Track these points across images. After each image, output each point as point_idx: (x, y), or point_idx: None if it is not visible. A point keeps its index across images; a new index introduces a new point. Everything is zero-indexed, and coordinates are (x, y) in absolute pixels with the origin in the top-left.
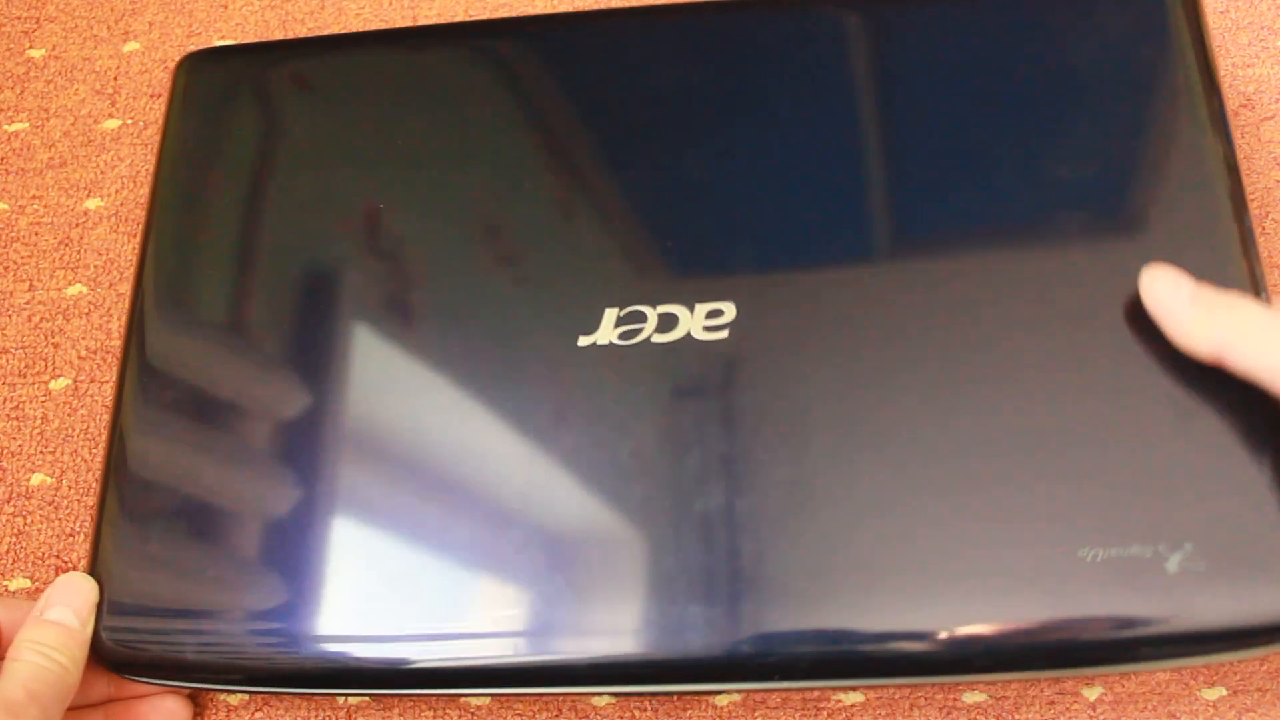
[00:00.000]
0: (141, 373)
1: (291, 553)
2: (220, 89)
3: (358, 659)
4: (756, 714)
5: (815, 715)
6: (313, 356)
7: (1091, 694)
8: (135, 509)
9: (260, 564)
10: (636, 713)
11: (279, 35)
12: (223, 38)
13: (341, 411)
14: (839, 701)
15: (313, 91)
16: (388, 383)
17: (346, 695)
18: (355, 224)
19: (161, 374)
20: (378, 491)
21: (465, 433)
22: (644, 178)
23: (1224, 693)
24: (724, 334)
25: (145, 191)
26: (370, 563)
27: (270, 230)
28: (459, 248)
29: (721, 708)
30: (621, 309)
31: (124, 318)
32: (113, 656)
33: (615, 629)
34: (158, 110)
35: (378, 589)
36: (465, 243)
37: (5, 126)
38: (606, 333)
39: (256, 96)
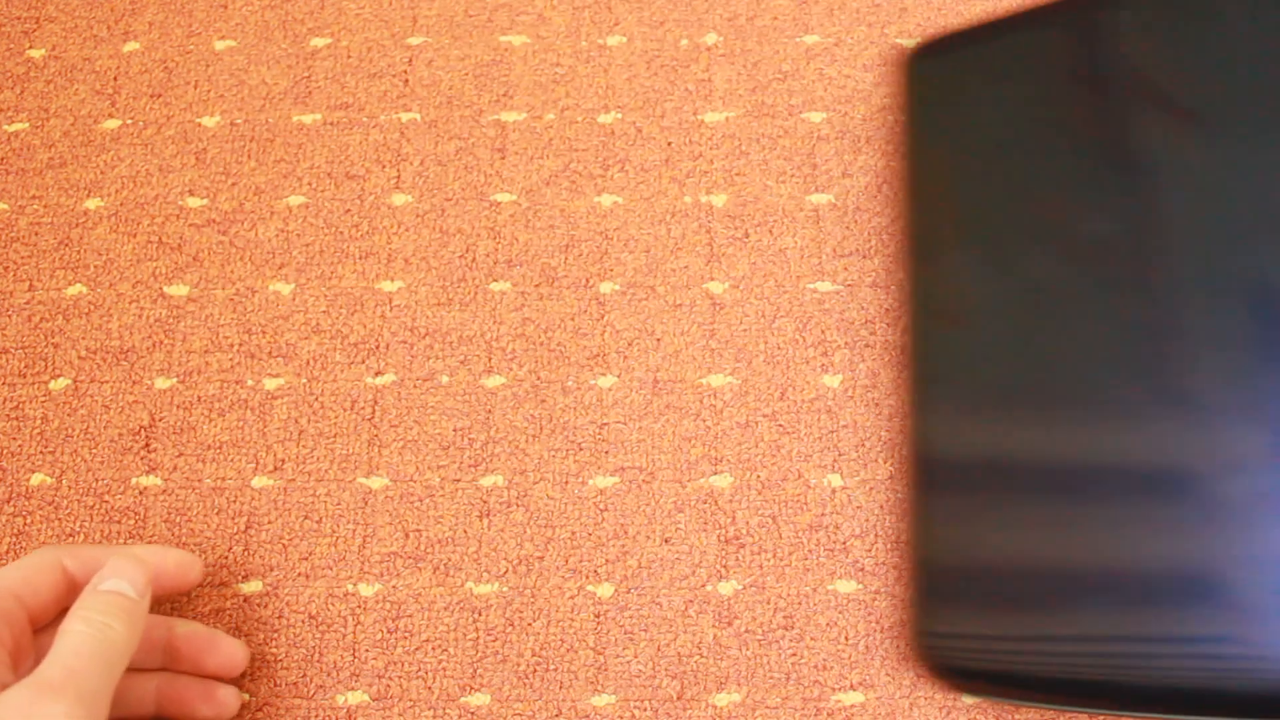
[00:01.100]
0: (932, 369)
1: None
2: (958, 75)
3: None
4: (756, 714)
5: (815, 715)
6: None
7: None
8: (961, 510)
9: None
10: (636, 713)
11: (279, 35)
12: (222, 38)
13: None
14: (839, 702)
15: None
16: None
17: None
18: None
19: (956, 365)
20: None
21: None
22: None
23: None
24: None
25: (145, 191)
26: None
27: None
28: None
29: (721, 708)
30: None
31: (123, 316)
32: (940, 666)
33: None
34: (158, 110)
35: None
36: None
37: (5, 126)
38: None
39: (1000, 79)
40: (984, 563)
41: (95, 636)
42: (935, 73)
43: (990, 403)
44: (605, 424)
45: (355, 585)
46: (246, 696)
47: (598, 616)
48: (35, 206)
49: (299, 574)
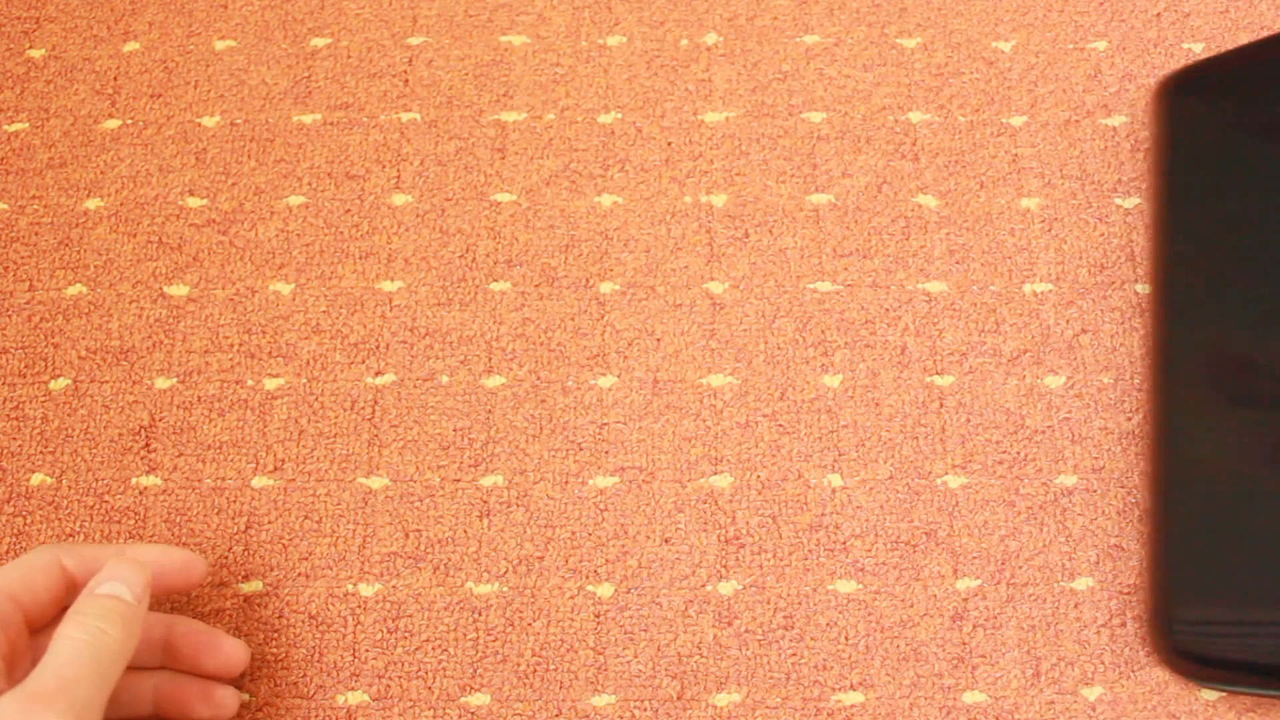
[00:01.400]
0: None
1: None
2: (1213, 103)
3: None
4: (756, 714)
5: (815, 715)
6: None
7: (1091, 694)
8: (1198, 504)
9: None
10: (636, 713)
11: (279, 35)
12: (222, 38)
13: None
14: (839, 702)
15: None
16: None
17: None
18: None
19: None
20: None
21: None
22: None
23: (1224, 693)
24: None
25: (145, 191)
26: None
27: None
28: None
29: (721, 708)
30: None
31: (123, 316)
32: (1185, 653)
33: None
34: (158, 110)
35: None
36: None
37: (5, 126)
38: None
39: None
40: (1235, 547)
41: (90, 643)
42: (1194, 108)
43: (1239, 388)
44: (605, 424)
45: (355, 585)
46: (246, 696)
47: (598, 616)
48: (35, 206)
49: (299, 574)
